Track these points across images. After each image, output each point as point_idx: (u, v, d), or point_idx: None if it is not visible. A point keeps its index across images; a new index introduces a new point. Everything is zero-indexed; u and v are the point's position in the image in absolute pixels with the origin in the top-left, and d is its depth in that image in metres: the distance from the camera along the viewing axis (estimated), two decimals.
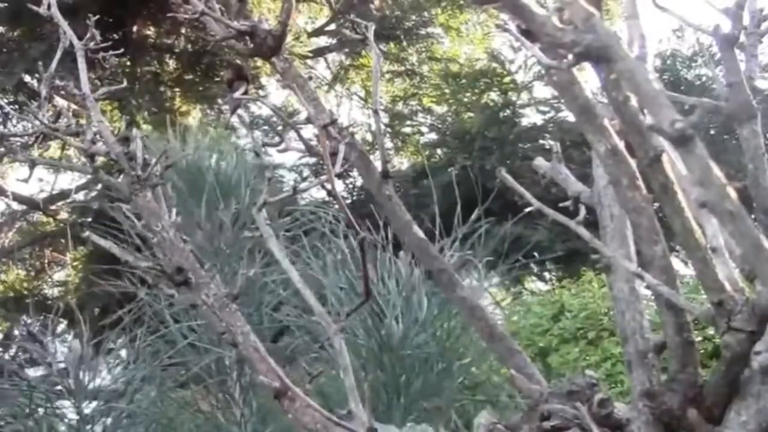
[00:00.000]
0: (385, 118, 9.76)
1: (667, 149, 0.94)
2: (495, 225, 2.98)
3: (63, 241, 9.01)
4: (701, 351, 3.43)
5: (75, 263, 9.23)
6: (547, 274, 8.57)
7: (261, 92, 8.44)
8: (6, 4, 7.54)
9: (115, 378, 3.12)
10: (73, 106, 1.80)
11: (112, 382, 3.10)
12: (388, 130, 9.99)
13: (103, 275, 3.38)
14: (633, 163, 1.03)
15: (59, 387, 2.89)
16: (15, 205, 9.51)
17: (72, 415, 2.90)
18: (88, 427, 2.85)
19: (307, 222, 3.34)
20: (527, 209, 1.30)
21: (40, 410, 2.88)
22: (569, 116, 8.19)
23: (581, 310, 4.82)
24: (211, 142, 3.65)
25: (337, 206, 3.04)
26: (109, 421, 2.92)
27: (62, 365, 2.90)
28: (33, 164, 1.89)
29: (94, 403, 2.93)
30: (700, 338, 3.39)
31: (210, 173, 3.39)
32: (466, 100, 9.25)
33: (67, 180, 9.81)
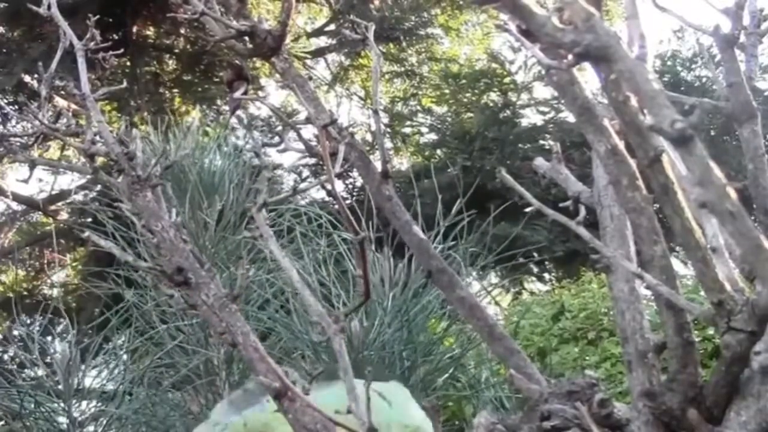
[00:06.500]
0: (384, 119, 9.75)
1: (667, 149, 0.94)
2: (489, 223, 2.97)
3: (63, 241, 9.01)
4: (701, 351, 3.43)
5: (74, 264, 9.23)
6: (546, 275, 8.56)
7: (260, 93, 8.44)
8: (6, 4, 7.54)
9: (105, 380, 3.10)
10: (73, 107, 1.80)
11: (102, 384, 3.08)
12: (388, 130, 9.98)
13: (90, 278, 3.36)
14: (633, 163, 1.03)
15: (50, 389, 2.87)
16: (15, 206, 9.52)
17: (62, 419, 2.88)
18: (78, 431, 2.83)
19: (290, 219, 3.31)
20: (527, 209, 1.29)
21: (32, 412, 2.86)
22: (569, 116, 8.20)
23: (581, 310, 4.82)
24: (195, 140, 3.60)
25: (336, 206, 3.03)
26: (100, 423, 2.90)
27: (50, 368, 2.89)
28: (33, 164, 1.89)
29: (84, 405, 2.91)
30: (700, 338, 3.39)
31: (193, 172, 3.36)
32: (465, 100, 9.25)
33: (67, 180, 9.82)
